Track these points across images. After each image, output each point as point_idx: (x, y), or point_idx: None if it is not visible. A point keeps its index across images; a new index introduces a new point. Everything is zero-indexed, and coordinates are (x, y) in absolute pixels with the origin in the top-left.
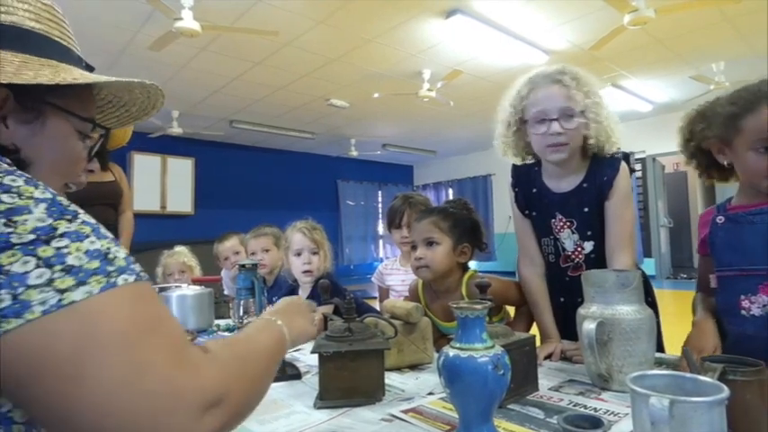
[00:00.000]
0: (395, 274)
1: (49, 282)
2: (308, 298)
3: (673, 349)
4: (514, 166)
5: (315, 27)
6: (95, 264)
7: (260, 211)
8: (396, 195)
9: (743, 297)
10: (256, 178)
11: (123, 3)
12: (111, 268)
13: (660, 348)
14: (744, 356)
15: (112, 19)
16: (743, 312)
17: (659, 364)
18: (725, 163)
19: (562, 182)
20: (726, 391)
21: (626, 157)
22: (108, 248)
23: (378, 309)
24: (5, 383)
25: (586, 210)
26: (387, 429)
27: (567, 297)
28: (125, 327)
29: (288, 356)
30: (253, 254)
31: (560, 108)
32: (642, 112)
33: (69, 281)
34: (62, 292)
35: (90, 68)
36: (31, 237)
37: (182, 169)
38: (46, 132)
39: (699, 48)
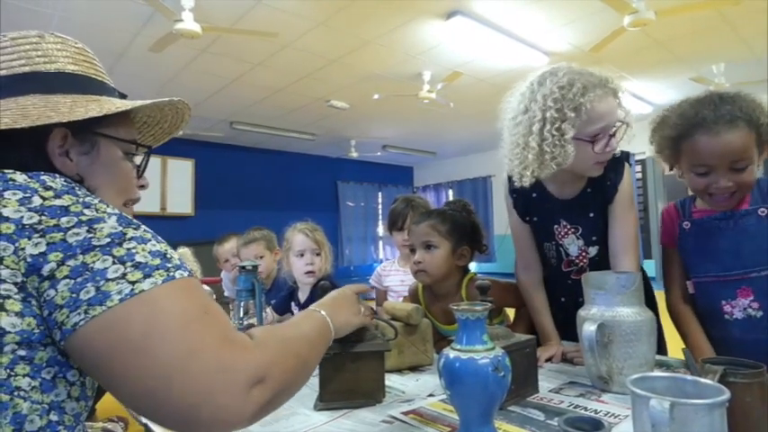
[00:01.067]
0: (394, 275)
1: (123, 275)
2: (307, 299)
3: (674, 350)
4: (509, 175)
5: (315, 28)
6: (157, 261)
7: (260, 212)
8: (396, 197)
9: (723, 302)
10: (256, 179)
11: (123, 4)
12: (169, 265)
13: (662, 350)
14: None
15: (113, 21)
16: (726, 317)
17: (659, 365)
18: (678, 174)
19: (566, 188)
20: (726, 394)
21: (626, 156)
22: (166, 250)
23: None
24: (92, 362)
25: (591, 215)
26: (387, 431)
27: (568, 298)
28: (183, 311)
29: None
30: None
31: (611, 123)
32: (642, 114)
33: (138, 274)
34: (133, 283)
35: (123, 96)
36: (108, 240)
37: (182, 170)
38: (101, 159)
39: (699, 50)
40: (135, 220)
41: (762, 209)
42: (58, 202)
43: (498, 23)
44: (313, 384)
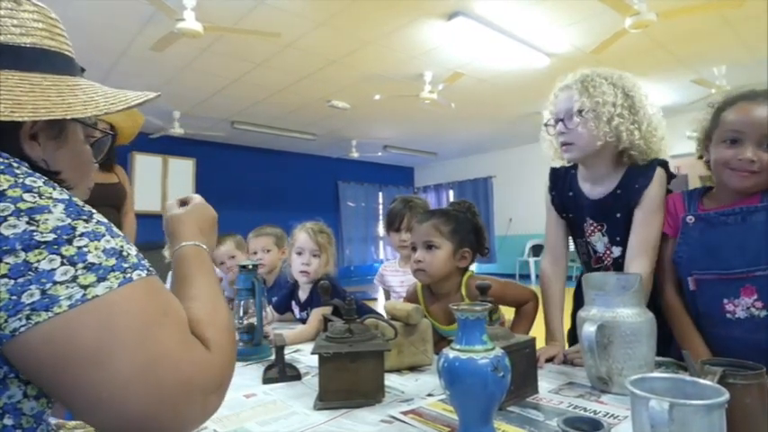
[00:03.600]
0: (394, 276)
1: (74, 278)
2: (306, 299)
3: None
4: (552, 170)
5: (316, 29)
6: (112, 261)
7: (260, 212)
8: (395, 198)
9: (725, 301)
10: (257, 179)
11: (125, 3)
12: (126, 265)
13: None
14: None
15: (114, 19)
16: (728, 316)
17: (659, 366)
18: (705, 160)
19: (597, 187)
20: (725, 395)
21: (663, 163)
22: (122, 246)
23: (377, 310)
24: (36, 371)
25: (618, 215)
26: (387, 431)
27: None
28: (141, 317)
29: (288, 357)
30: (254, 253)
31: (566, 109)
32: None
33: (91, 277)
34: (85, 287)
35: (82, 70)
36: (53, 236)
37: (183, 170)
38: (67, 143)
39: (700, 52)
40: (87, 208)
41: None
42: None
43: (500, 24)
44: (312, 384)
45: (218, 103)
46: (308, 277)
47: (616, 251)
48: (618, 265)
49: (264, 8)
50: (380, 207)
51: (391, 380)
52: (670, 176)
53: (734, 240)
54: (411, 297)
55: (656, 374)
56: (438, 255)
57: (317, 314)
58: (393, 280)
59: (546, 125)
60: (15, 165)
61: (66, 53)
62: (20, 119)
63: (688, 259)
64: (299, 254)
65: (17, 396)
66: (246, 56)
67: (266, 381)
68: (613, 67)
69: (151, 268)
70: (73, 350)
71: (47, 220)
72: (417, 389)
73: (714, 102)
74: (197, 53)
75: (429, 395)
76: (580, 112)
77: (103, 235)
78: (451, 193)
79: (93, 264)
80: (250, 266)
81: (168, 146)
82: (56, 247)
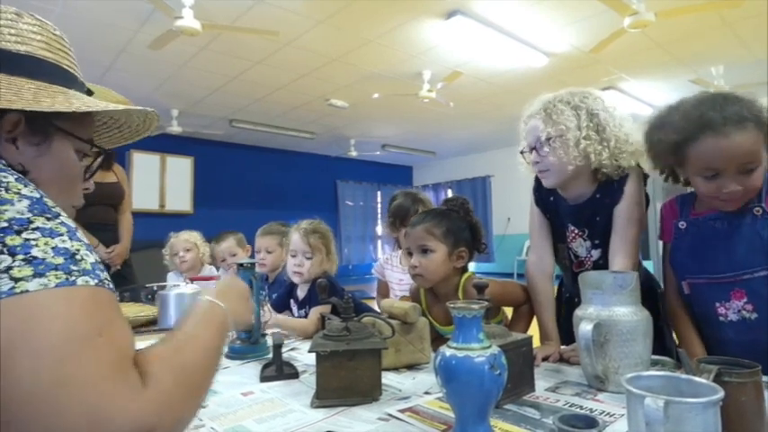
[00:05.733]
0: (393, 272)
1: (8, 269)
2: (305, 297)
3: None
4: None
5: (315, 27)
6: (59, 260)
7: (259, 211)
8: (395, 193)
9: (717, 304)
10: (256, 178)
11: (124, 2)
12: (74, 267)
13: (665, 349)
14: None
15: (113, 17)
16: (720, 318)
17: (655, 364)
18: (681, 178)
19: (575, 193)
20: (720, 393)
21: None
22: (78, 250)
23: (375, 309)
24: None
25: (598, 219)
26: (383, 428)
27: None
28: (69, 327)
29: (285, 356)
30: (258, 252)
31: (535, 138)
32: (642, 116)
33: (27, 270)
34: (17, 280)
35: (90, 93)
36: (4, 225)
37: (181, 168)
38: (51, 153)
39: (698, 51)
40: (55, 209)
41: (757, 208)
42: None
43: (499, 23)
44: (310, 382)
45: (216, 101)
46: (302, 278)
47: (596, 254)
48: (598, 267)
49: (263, 6)
50: (379, 206)
51: (389, 378)
52: (645, 176)
53: (722, 244)
54: (414, 298)
55: (651, 372)
56: (434, 258)
57: (316, 312)
58: (392, 275)
59: (522, 152)
60: None
61: (65, 66)
62: None
63: (681, 264)
64: (293, 255)
65: None
66: (245, 54)
67: (264, 379)
68: (612, 67)
69: (108, 282)
70: None
71: (6, 211)
72: (414, 387)
73: (655, 123)
74: (195, 51)
75: (426, 393)
76: (548, 140)
77: (61, 234)
78: (450, 192)
79: (35, 258)
80: (248, 265)
81: (166, 144)
82: (1, 235)
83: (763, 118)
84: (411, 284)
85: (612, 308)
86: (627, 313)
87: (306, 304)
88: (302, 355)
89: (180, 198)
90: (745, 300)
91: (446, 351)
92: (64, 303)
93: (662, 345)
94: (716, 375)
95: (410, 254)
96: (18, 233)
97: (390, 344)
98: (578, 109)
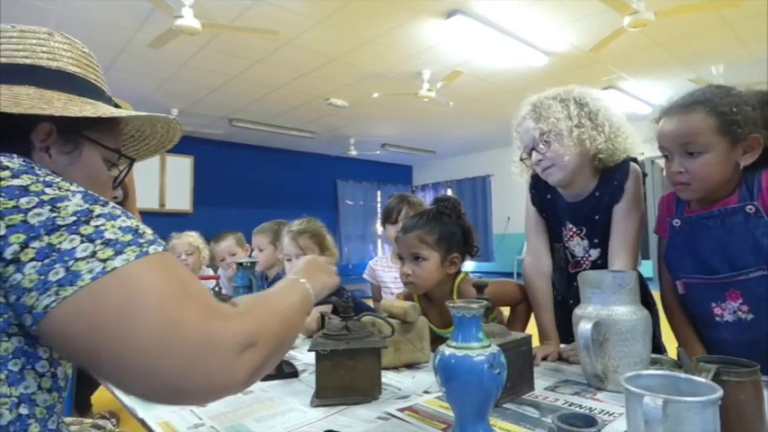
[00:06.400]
0: (387, 272)
1: (93, 254)
2: None
3: (671, 349)
4: (535, 171)
5: (315, 26)
6: (129, 237)
7: (259, 210)
8: (391, 195)
9: (713, 304)
10: (255, 177)
11: (124, 1)
12: (141, 240)
13: (658, 349)
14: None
15: (112, 17)
16: (716, 319)
17: (654, 363)
18: None
19: (574, 191)
20: (719, 392)
21: (635, 160)
22: (137, 225)
23: (374, 308)
24: (68, 345)
25: (597, 217)
26: (383, 427)
27: (576, 301)
28: (160, 286)
29: (285, 355)
30: (252, 250)
31: (531, 139)
32: (641, 115)
33: (109, 251)
34: (104, 261)
35: (117, 107)
36: (73, 218)
37: (181, 167)
38: (81, 162)
39: (698, 51)
40: (103, 198)
41: (749, 206)
42: (15, 182)
43: (498, 23)
44: (309, 381)
45: (216, 100)
46: None
47: (594, 254)
48: (596, 267)
49: (263, 5)
50: (379, 205)
51: (388, 377)
52: (643, 174)
53: (716, 244)
54: (408, 299)
55: (650, 372)
56: (426, 266)
57: (316, 311)
58: (386, 276)
59: (522, 159)
60: (36, 167)
61: (92, 80)
62: (6, 109)
63: (675, 263)
64: (288, 260)
65: (32, 387)
66: (244, 53)
67: (263, 378)
68: (612, 66)
69: (166, 245)
70: (98, 320)
71: (67, 206)
72: (414, 386)
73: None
74: (195, 50)
75: (425, 392)
76: (542, 136)
77: (119, 216)
78: (450, 192)
79: (110, 239)
80: (247, 264)
81: None
82: (75, 227)
83: (719, 104)
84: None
85: (612, 307)
86: (626, 312)
87: None
88: (302, 354)
89: (180, 197)
90: (740, 300)
91: (445, 350)
92: (147, 270)
93: (655, 344)
94: (715, 374)
95: (401, 259)
96: (86, 222)
97: (390, 343)
98: (565, 101)
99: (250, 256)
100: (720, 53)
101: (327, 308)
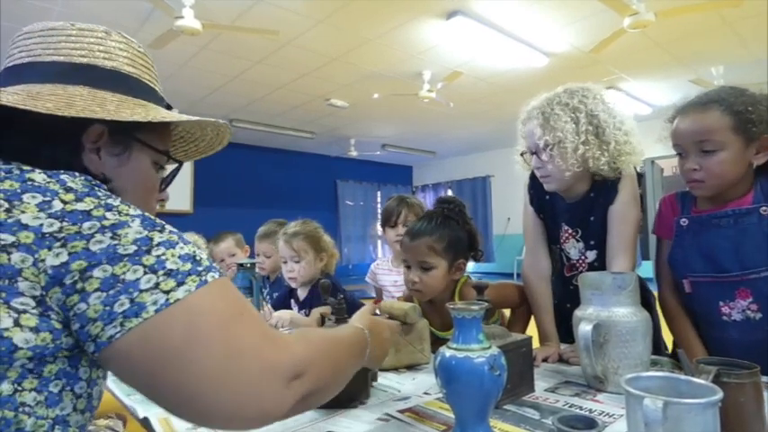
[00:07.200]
0: (387, 275)
1: (156, 285)
2: (306, 298)
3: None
4: (533, 171)
5: (315, 26)
6: (188, 266)
7: (259, 210)
8: (390, 197)
9: (721, 303)
10: (256, 177)
11: (124, 1)
12: (200, 268)
13: (659, 349)
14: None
15: (113, 17)
16: (724, 318)
17: (654, 364)
18: None
19: (570, 191)
20: (719, 393)
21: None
22: (194, 252)
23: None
24: (130, 373)
25: (592, 218)
26: (383, 429)
27: (572, 304)
28: (220, 315)
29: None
30: (257, 255)
31: (534, 144)
32: (642, 115)
33: (171, 282)
34: (168, 292)
35: (169, 107)
36: (134, 248)
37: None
38: (130, 164)
39: (698, 51)
40: (158, 221)
41: (764, 207)
42: (79, 206)
43: (499, 24)
44: None
45: (216, 100)
46: (297, 282)
47: (591, 255)
48: (593, 269)
49: (263, 6)
50: (379, 206)
51: (388, 378)
52: (639, 175)
53: (728, 243)
54: (409, 300)
55: (651, 373)
56: (434, 274)
57: (316, 312)
58: (386, 279)
59: (522, 155)
60: (97, 188)
61: (146, 81)
62: (58, 112)
63: (682, 262)
64: (284, 262)
65: (68, 409)
66: (245, 54)
67: None
68: (612, 67)
69: (221, 270)
70: (162, 350)
71: (127, 234)
72: (414, 387)
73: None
74: (195, 51)
75: (426, 393)
76: (546, 147)
77: (177, 243)
78: (450, 192)
79: (171, 270)
80: (248, 265)
81: None
82: (137, 258)
83: (735, 104)
84: (405, 291)
85: (612, 308)
86: (626, 314)
87: (306, 305)
88: None
89: (180, 197)
90: (750, 299)
91: (446, 352)
92: (208, 299)
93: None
94: (715, 376)
95: (408, 267)
96: (148, 252)
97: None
98: (577, 111)
99: (250, 257)
100: (720, 53)
101: (327, 309)
